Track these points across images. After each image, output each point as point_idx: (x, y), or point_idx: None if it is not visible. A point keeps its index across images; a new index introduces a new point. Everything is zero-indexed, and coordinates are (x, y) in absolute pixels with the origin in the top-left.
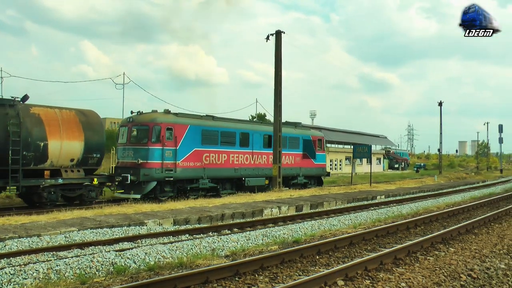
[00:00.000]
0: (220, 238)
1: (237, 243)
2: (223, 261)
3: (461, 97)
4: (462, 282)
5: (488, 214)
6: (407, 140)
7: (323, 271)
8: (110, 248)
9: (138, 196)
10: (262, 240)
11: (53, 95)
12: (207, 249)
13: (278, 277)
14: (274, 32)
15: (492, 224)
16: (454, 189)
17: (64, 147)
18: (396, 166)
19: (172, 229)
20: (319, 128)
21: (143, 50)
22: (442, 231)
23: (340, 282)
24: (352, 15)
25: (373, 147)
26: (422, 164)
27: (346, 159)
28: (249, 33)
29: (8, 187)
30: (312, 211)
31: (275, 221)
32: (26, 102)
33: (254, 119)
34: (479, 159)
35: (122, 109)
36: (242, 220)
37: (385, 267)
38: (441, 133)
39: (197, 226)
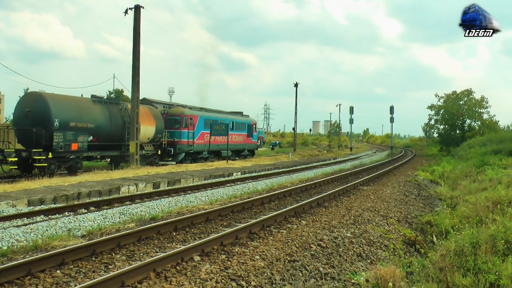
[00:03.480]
0: (77, 218)
1: (94, 222)
2: (80, 242)
3: (316, 80)
4: (312, 252)
5: (338, 189)
6: (263, 119)
7: (180, 247)
8: None
9: (174, 163)
10: (119, 218)
11: None
12: (63, 229)
13: (135, 255)
14: (133, 6)
15: (341, 197)
16: (307, 165)
17: (146, 130)
18: None
19: (26, 211)
20: (181, 106)
21: None
22: (295, 205)
23: (197, 258)
24: None
25: None
26: (277, 142)
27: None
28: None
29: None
30: (169, 188)
31: (132, 199)
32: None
33: (112, 95)
34: (331, 138)
35: None
36: (99, 199)
37: (240, 242)
38: (296, 113)
39: (53, 206)
